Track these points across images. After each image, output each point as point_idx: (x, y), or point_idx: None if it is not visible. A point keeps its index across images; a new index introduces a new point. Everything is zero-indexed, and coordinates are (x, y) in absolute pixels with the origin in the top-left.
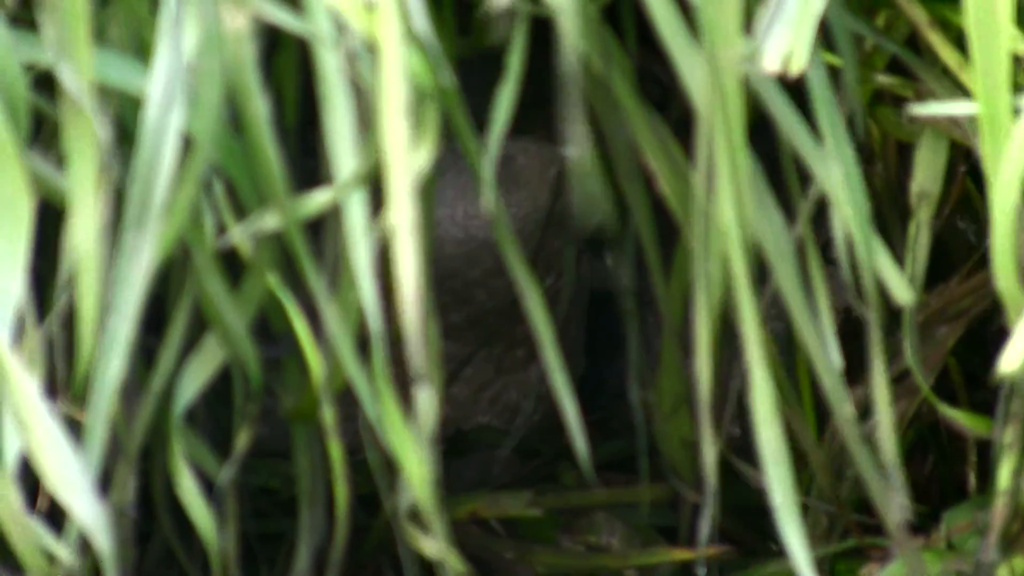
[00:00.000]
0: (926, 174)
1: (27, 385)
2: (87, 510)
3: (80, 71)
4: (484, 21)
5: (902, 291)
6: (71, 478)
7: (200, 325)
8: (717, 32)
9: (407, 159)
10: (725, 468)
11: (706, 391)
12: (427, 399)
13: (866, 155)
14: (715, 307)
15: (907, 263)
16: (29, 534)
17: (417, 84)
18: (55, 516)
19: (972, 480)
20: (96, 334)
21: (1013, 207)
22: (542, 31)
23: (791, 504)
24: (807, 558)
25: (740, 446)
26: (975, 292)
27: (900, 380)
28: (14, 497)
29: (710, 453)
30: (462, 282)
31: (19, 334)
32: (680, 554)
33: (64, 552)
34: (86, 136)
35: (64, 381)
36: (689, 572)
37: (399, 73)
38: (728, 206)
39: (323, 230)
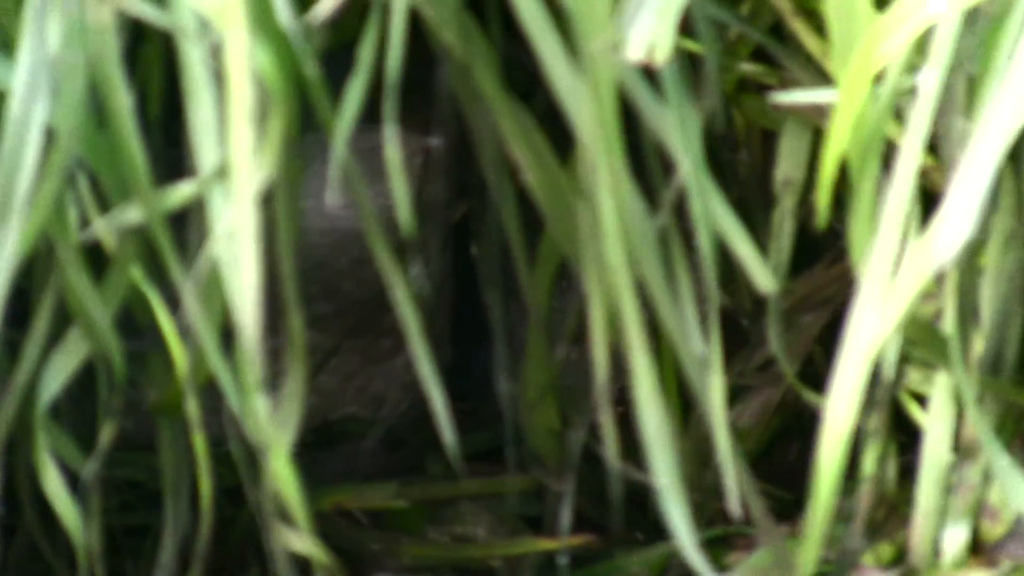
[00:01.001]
0: (790, 162)
1: None
2: None
3: None
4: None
5: (761, 275)
6: None
7: (64, 319)
8: (586, 21)
9: (250, 163)
10: (591, 458)
11: (603, 377)
12: (291, 391)
13: (730, 143)
14: (608, 294)
15: (772, 251)
16: None
17: (268, 83)
18: None
19: None
20: None
21: (872, 195)
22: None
23: (676, 486)
24: (692, 539)
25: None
26: (840, 279)
27: (765, 368)
28: None
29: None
30: (328, 272)
31: None
32: (545, 544)
33: None
34: None
35: None
36: (556, 562)
37: (244, 75)
38: (606, 198)
39: (188, 222)
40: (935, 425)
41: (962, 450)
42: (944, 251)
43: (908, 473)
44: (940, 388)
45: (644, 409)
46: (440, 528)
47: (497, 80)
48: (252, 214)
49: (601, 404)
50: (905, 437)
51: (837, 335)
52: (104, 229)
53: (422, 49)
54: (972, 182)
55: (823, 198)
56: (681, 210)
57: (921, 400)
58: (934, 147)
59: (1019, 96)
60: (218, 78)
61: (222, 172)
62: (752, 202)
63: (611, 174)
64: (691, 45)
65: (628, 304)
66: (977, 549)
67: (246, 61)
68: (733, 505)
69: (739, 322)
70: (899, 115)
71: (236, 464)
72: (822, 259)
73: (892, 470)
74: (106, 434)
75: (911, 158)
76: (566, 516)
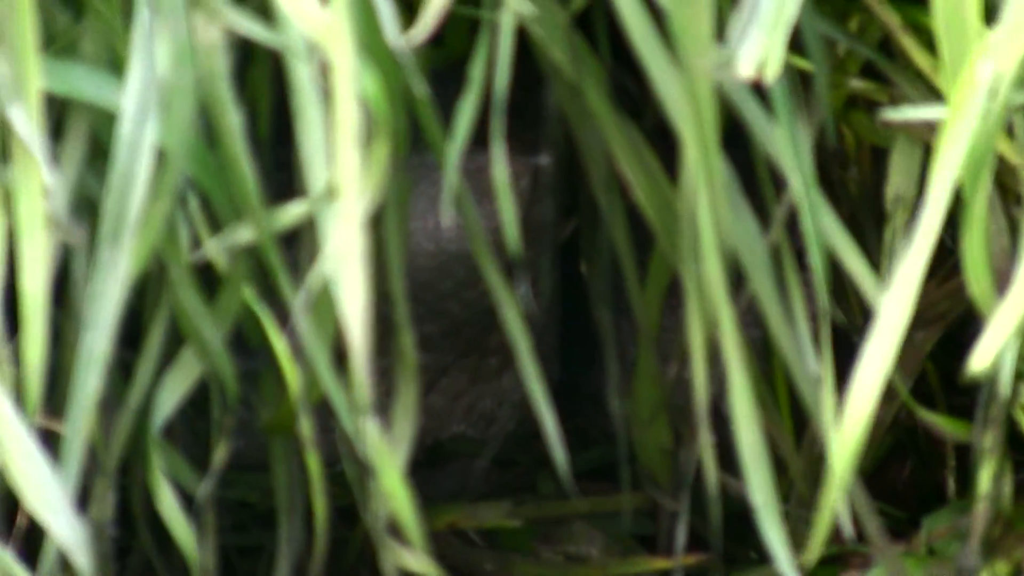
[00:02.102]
0: (901, 178)
1: (0, 402)
2: (65, 527)
3: (30, 114)
4: (454, 31)
5: (873, 292)
6: (48, 495)
7: (177, 339)
8: (690, 39)
9: (357, 184)
10: (704, 476)
11: (702, 396)
12: (402, 410)
13: (841, 160)
14: (708, 313)
15: (883, 268)
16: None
17: (374, 104)
18: (34, 534)
19: (951, 485)
20: (43, 377)
21: (985, 210)
22: (520, 39)
23: (772, 505)
24: (789, 559)
25: (718, 454)
26: (952, 296)
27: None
28: None
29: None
30: (435, 294)
31: None
32: (659, 563)
33: None
34: (34, 177)
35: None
36: None
37: (350, 96)
38: (705, 213)
39: (299, 242)
40: None
41: None
42: None
43: None
44: None
45: (741, 427)
46: (553, 547)
47: (606, 98)
48: (360, 234)
49: (702, 422)
50: (1021, 455)
51: (950, 352)
52: (215, 249)
53: (530, 68)
54: None
55: (940, 220)
56: (793, 227)
57: None
58: None
59: None
60: (327, 97)
61: (331, 192)
62: (863, 219)
63: (711, 188)
64: (800, 62)
65: (727, 320)
66: None
67: (352, 82)
68: (846, 524)
69: (851, 339)
70: (1010, 131)
71: (349, 483)
72: (935, 276)
73: (1008, 488)
74: (219, 454)
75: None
76: (680, 534)
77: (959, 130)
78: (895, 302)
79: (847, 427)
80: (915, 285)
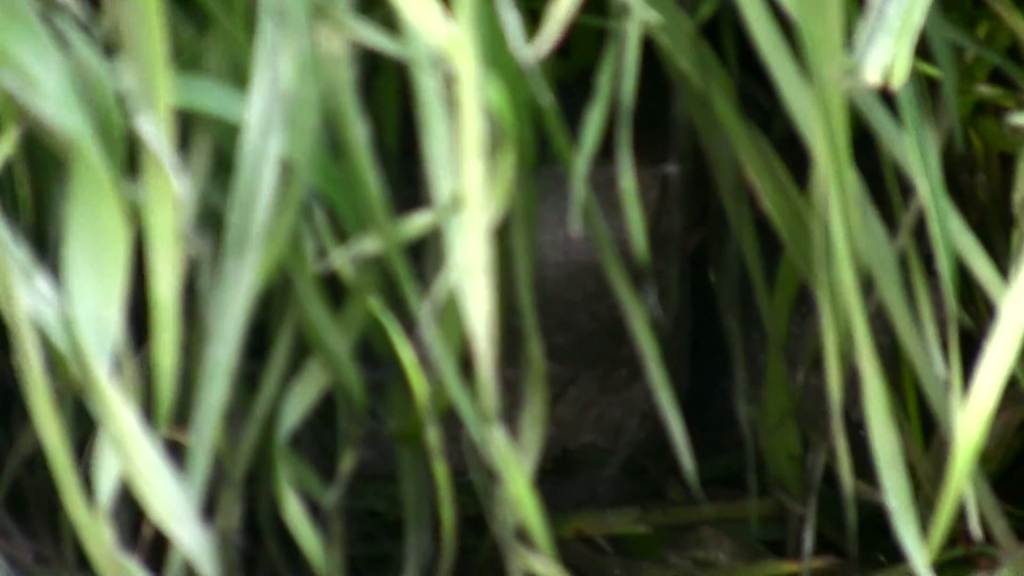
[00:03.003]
0: None
1: (126, 414)
2: (191, 538)
3: (160, 124)
4: (580, 41)
5: (992, 282)
6: (174, 506)
7: (303, 350)
8: (819, 47)
9: (483, 195)
10: (831, 481)
11: (836, 402)
12: (531, 419)
13: (968, 166)
14: (840, 320)
15: (1012, 272)
16: (124, 574)
17: (499, 115)
18: (160, 545)
19: None
20: (173, 388)
21: None
22: (648, 49)
23: (907, 508)
24: (925, 561)
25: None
26: None
27: (1006, 388)
28: (108, 536)
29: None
30: (564, 305)
31: (117, 363)
32: (787, 567)
33: None
34: (165, 188)
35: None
36: None
37: (475, 107)
38: (837, 222)
39: (425, 252)
40: None
41: None
42: None
43: None
44: None
45: (876, 431)
46: (681, 553)
47: (734, 107)
48: (485, 244)
49: (836, 428)
50: None
51: None
52: (341, 260)
53: (658, 78)
54: None
55: None
56: (921, 233)
57: None
58: None
59: None
60: (452, 109)
61: (457, 203)
62: (991, 225)
63: (842, 197)
64: (928, 68)
65: (860, 326)
66: None
67: (477, 93)
68: (974, 525)
69: (980, 344)
70: None
71: (477, 492)
72: None
73: None
74: (346, 464)
75: None
76: (808, 539)
77: None
78: (1018, 300)
79: (968, 423)
80: None
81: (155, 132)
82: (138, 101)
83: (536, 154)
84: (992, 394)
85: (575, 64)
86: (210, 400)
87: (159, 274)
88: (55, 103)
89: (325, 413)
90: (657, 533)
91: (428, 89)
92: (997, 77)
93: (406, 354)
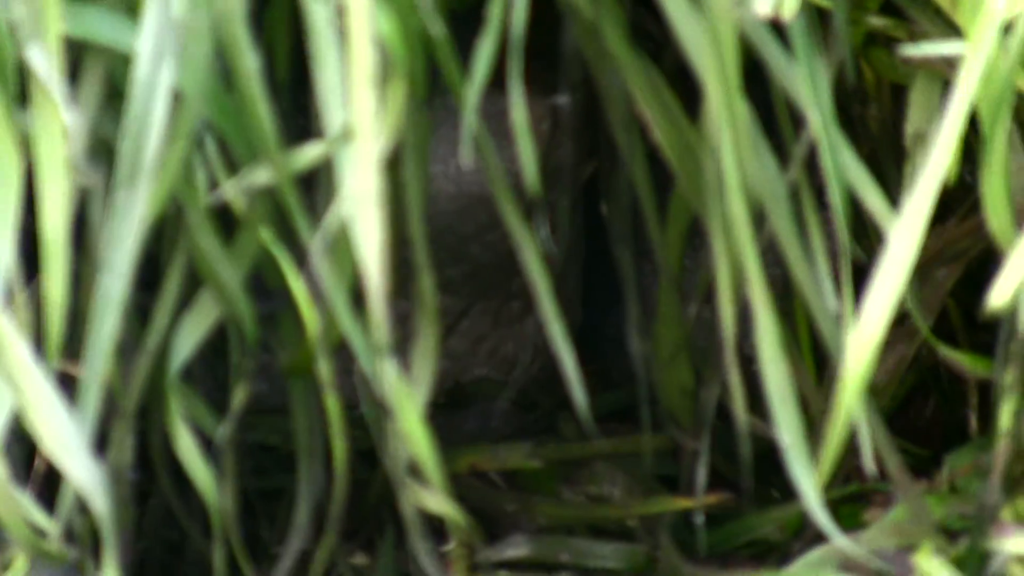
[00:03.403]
0: (920, 115)
1: (18, 346)
2: (83, 471)
3: (50, 56)
4: None
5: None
6: (66, 439)
7: (194, 282)
8: None
9: (373, 126)
10: (724, 416)
11: (729, 335)
12: (422, 352)
13: (860, 98)
14: (733, 252)
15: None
16: (16, 507)
17: (390, 45)
18: (52, 478)
19: (974, 422)
20: (63, 320)
21: (1004, 147)
22: None
23: (800, 443)
24: (818, 497)
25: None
26: (973, 233)
27: (899, 323)
28: (1, 470)
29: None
30: (456, 237)
31: (9, 295)
32: (681, 503)
33: (52, 526)
34: (54, 118)
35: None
36: (691, 520)
37: (365, 37)
38: (728, 153)
39: (316, 184)
40: None
41: None
42: None
43: None
44: None
45: (768, 366)
46: (575, 488)
47: (625, 38)
48: (376, 176)
49: (729, 362)
50: None
51: (971, 290)
52: (233, 191)
53: (549, 9)
54: None
55: (952, 151)
56: (812, 165)
57: None
58: None
59: None
60: (344, 39)
61: (348, 134)
62: (883, 156)
63: (734, 128)
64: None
65: (751, 260)
66: None
67: (368, 23)
68: (868, 462)
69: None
70: None
71: (369, 426)
72: (955, 213)
73: None
74: (238, 397)
75: None
76: (701, 475)
77: (975, 64)
78: (906, 229)
79: (856, 353)
80: (925, 213)
81: (44, 62)
82: (28, 31)
83: (427, 85)
84: (880, 323)
85: None
86: (102, 333)
87: (48, 205)
88: None
89: (217, 346)
90: (551, 468)
91: (320, 19)
92: (888, 8)
93: (298, 286)
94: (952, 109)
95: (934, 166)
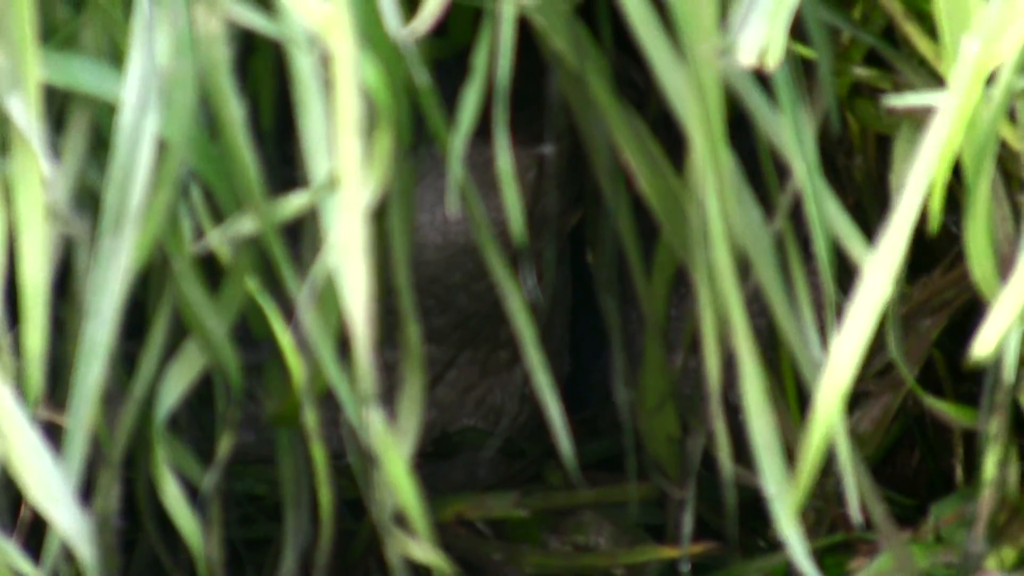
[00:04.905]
0: (906, 166)
1: (3, 394)
2: (69, 519)
3: (29, 105)
4: (457, 21)
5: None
6: (52, 487)
7: (180, 331)
8: (693, 27)
9: (358, 175)
10: (710, 465)
11: (715, 384)
12: (409, 402)
13: (845, 148)
14: (717, 302)
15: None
16: (2, 556)
17: (375, 94)
18: (38, 526)
19: (959, 472)
20: (43, 369)
21: (987, 196)
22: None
23: (785, 493)
24: (803, 547)
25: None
26: (958, 283)
27: (885, 373)
28: None
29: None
30: (443, 287)
31: None
32: (667, 552)
33: (38, 574)
34: (33, 167)
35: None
36: (677, 570)
37: (351, 87)
38: (713, 203)
39: (302, 233)
40: None
41: None
42: None
43: None
44: None
45: (753, 416)
46: (561, 537)
47: (609, 87)
48: (362, 225)
49: (715, 411)
50: None
51: (957, 340)
52: (218, 240)
53: (534, 59)
54: None
55: (936, 201)
56: (797, 215)
57: None
58: None
59: None
60: (329, 88)
61: (334, 183)
62: (868, 206)
63: (718, 178)
64: (803, 50)
65: (736, 309)
66: None
67: (353, 72)
68: (854, 511)
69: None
70: (1013, 117)
71: (355, 476)
72: (940, 263)
73: (1014, 474)
74: (224, 446)
75: None
76: (687, 524)
77: (948, 111)
78: (879, 268)
79: (827, 394)
80: (901, 249)
81: (23, 111)
82: (7, 80)
83: (413, 134)
84: (851, 361)
85: (451, 44)
86: (87, 380)
87: (28, 254)
88: None
89: (203, 395)
90: (537, 517)
91: (304, 68)
92: (873, 59)
93: (284, 336)
94: (923, 154)
95: (904, 210)
